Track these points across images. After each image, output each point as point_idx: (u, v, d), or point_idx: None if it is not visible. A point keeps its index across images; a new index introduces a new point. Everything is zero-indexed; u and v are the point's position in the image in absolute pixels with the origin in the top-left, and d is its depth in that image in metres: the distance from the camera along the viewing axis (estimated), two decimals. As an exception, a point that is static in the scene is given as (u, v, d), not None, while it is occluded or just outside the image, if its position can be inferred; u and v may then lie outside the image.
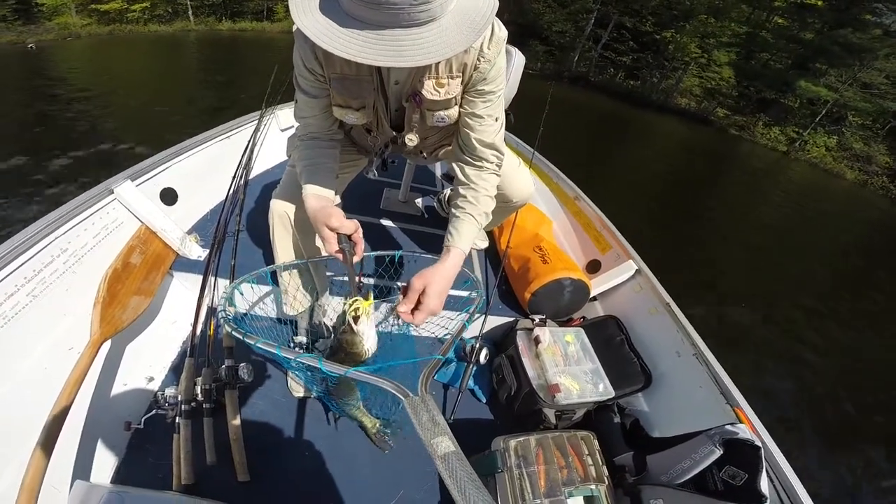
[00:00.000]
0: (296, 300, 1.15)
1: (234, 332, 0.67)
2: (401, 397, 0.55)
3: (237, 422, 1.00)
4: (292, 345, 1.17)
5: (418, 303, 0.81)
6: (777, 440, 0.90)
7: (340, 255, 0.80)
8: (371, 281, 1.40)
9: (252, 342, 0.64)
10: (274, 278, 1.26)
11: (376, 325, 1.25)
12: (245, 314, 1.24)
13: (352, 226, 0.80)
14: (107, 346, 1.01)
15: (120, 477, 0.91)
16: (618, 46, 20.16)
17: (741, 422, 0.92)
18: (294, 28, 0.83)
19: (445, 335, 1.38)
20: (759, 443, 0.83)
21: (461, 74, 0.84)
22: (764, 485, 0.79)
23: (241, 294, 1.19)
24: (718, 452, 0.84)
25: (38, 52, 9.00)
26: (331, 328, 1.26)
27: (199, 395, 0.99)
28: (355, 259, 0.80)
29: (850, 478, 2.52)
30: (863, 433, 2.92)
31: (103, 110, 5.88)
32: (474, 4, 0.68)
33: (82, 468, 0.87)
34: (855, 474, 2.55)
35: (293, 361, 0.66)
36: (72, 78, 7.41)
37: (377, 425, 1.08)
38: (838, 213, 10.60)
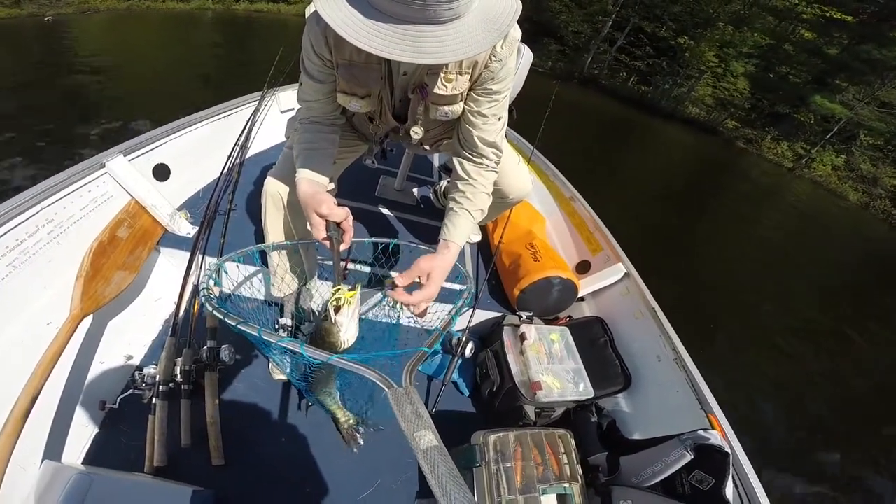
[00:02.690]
0: (284, 282, 1.15)
1: (214, 312, 0.65)
2: (384, 388, 0.53)
3: (215, 404, 0.99)
4: (277, 327, 1.16)
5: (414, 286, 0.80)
6: (746, 448, 0.90)
7: (328, 243, 0.79)
8: (361, 268, 1.39)
9: (233, 323, 0.62)
10: (262, 258, 1.25)
11: (364, 314, 1.23)
12: (230, 294, 1.23)
13: (342, 213, 0.79)
14: (87, 321, 0.98)
15: (91, 458, 0.90)
16: (633, 51, 19.67)
17: (713, 428, 0.92)
18: (307, 12, 0.81)
19: (433, 328, 1.38)
20: (728, 449, 0.84)
21: (470, 71, 0.84)
22: (729, 491, 0.79)
23: (227, 273, 1.18)
24: (689, 457, 0.84)
25: (53, 25, 9.01)
26: (316, 313, 1.26)
27: (178, 376, 0.98)
28: (343, 247, 0.79)
29: (816, 487, 2.56)
30: (834, 449, 2.95)
31: (108, 83, 5.82)
32: (496, 4, 0.66)
33: (53, 448, 0.85)
34: (819, 484, 2.59)
35: (275, 345, 0.64)
36: (80, 49, 7.36)
37: (350, 420, 1.05)
38: (838, 234, 10.53)
